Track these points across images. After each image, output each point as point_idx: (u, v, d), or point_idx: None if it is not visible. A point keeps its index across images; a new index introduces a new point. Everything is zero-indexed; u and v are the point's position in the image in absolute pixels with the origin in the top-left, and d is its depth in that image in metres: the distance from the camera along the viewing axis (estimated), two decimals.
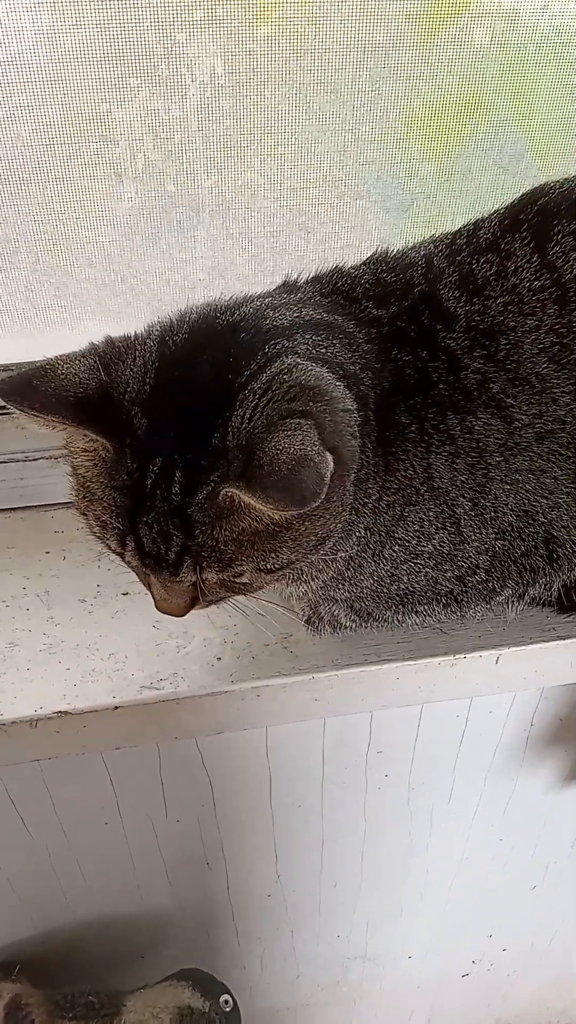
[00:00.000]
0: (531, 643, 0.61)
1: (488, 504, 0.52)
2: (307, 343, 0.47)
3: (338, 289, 0.52)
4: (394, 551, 0.53)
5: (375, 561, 0.53)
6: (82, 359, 0.46)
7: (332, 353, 0.47)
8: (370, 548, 0.52)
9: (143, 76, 0.55)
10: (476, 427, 0.50)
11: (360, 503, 0.50)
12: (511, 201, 0.53)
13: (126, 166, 0.59)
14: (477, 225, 0.52)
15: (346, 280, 0.52)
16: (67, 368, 0.45)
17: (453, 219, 0.66)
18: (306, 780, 0.80)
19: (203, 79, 0.56)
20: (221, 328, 0.46)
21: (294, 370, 0.44)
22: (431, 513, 0.52)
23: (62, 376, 0.45)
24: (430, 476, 0.50)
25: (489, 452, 0.50)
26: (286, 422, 0.41)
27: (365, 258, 0.54)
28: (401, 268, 0.52)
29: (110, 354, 0.46)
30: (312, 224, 0.65)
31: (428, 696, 0.63)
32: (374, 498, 0.50)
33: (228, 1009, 0.86)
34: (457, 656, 0.60)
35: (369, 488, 0.50)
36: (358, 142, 0.61)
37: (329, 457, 0.41)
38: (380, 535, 0.52)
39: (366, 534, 0.52)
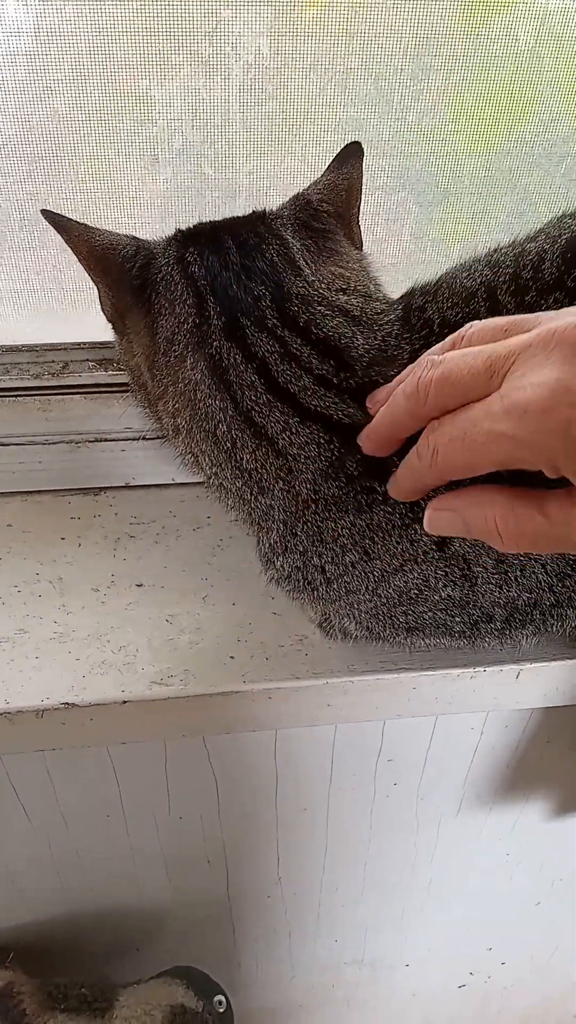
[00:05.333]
0: (553, 660, 0.59)
1: (516, 563, 0.48)
2: None
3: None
4: (390, 594, 0.51)
5: (372, 595, 0.51)
6: None
7: None
8: (365, 583, 0.51)
9: (185, 54, 0.54)
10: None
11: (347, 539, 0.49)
12: (564, 222, 0.49)
13: (163, 147, 0.57)
14: (540, 257, 0.47)
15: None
16: None
17: (496, 216, 0.65)
18: (313, 784, 0.78)
19: (247, 59, 0.54)
20: None
21: None
22: (440, 572, 0.49)
23: None
24: (446, 541, 0.48)
25: None
26: None
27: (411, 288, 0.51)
28: (464, 301, 0.48)
29: None
30: None
31: (444, 708, 0.61)
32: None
33: (222, 1010, 0.85)
34: (476, 669, 0.58)
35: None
36: (403, 132, 0.59)
37: None
38: (373, 577, 0.50)
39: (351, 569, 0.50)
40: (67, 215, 0.51)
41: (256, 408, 0.47)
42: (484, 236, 0.67)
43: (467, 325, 0.40)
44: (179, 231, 0.52)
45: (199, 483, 0.70)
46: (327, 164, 0.53)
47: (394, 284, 0.53)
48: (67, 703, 0.56)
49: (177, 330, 0.49)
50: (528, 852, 0.95)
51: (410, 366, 0.41)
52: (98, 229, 0.52)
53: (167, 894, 0.91)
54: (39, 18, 0.52)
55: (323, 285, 0.49)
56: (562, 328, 0.34)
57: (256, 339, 0.47)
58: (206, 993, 0.85)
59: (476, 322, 0.40)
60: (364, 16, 0.55)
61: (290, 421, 0.47)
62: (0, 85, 0.55)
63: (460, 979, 1.22)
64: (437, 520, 0.41)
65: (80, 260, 0.53)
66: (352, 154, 0.53)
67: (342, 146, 0.53)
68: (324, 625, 0.60)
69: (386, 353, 0.47)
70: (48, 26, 0.53)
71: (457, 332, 0.40)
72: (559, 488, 0.36)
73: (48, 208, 0.50)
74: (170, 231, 0.52)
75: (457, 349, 0.39)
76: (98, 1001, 0.81)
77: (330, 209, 0.53)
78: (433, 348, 0.41)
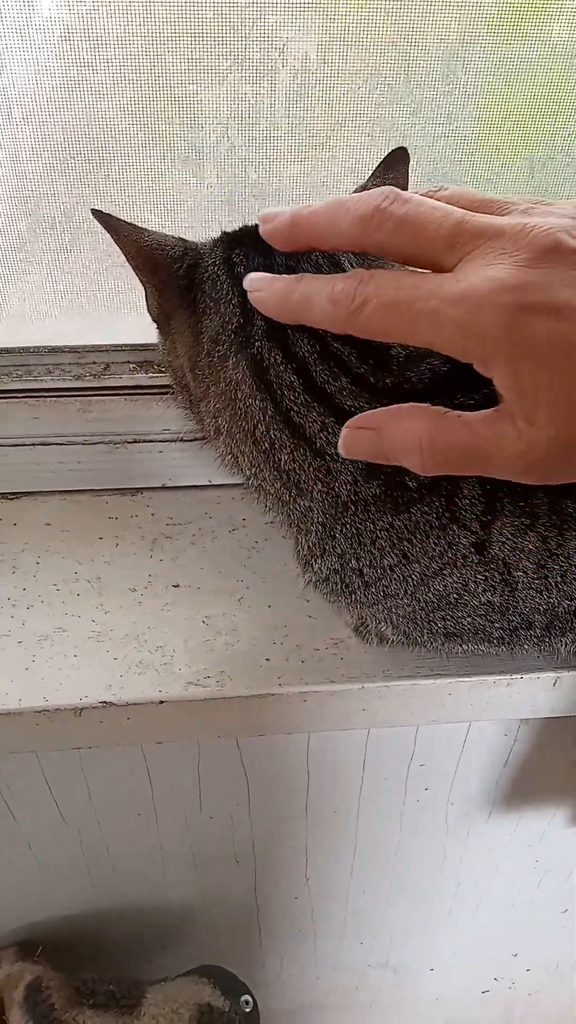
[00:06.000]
0: None
1: (557, 568, 0.47)
2: None
3: None
4: (429, 598, 0.51)
5: (411, 599, 0.51)
6: None
7: None
8: (403, 587, 0.50)
9: (233, 58, 0.54)
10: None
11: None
12: None
13: (209, 151, 0.58)
14: None
15: None
16: None
17: None
18: (344, 787, 0.78)
19: (294, 64, 0.54)
20: None
21: None
22: (480, 576, 0.48)
23: None
24: (485, 544, 0.47)
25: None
26: None
27: None
28: None
29: None
30: None
31: (479, 714, 0.61)
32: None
33: (248, 1010, 0.85)
34: (513, 676, 0.58)
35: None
36: (450, 137, 0.59)
37: None
38: (412, 580, 0.50)
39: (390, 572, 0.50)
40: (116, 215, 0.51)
41: (295, 408, 0.48)
42: None
43: (439, 184, 0.40)
44: (225, 233, 0.52)
45: (235, 485, 0.70)
46: (372, 169, 0.54)
47: None
48: (105, 702, 0.56)
49: (221, 330, 0.50)
50: (557, 859, 0.94)
51: (371, 190, 0.38)
52: (147, 230, 0.52)
53: (194, 893, 0.91)
54: (84, 20, 0.53)
55: None
56: (537, 231, 0.34)
57: (296, 339, 0.47)
58: (233, 993, 0.85)
59: (449, 185, 0.39)
60: (408, 20, 0.55)
61: (327, 421, 0.47)
62: (44, 89, 0.55)
63: (484, 984, 1.22)
64: (352, 440, 0.41)
65: (128, 260, 0.53)
66: (398, 160, 0.53)
67: (387, 152, 0.53)
68: (360, 629, 0.60)
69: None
70: (93, 28, 0.53)
71: (429, 190, 0.40)
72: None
73: (98, 208, 0.50)
74: (214, 234, 0.53)
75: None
76: (126, 998, 0.82)
77: None
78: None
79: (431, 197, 0.38)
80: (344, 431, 0.41)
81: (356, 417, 0.40)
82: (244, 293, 0.48)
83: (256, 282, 0.42)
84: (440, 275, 0.35)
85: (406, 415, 0.39)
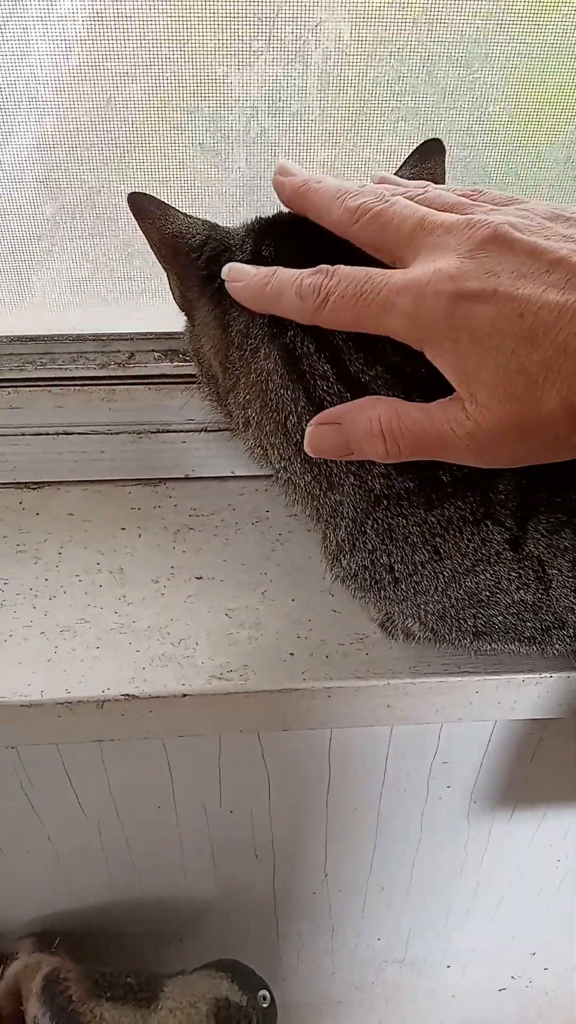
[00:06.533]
0: None
1: None
2: None
3: None
4: (460, 595, 0.49)
5: (441, 596, 0.50)
6: None
7: None
8: (434, 583, 0.49)
9: (264, 40, 0.52)
10: None
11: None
12: None
13: (238, 135, 0.56)
14: None
15: None
16: None
17: None
18: (366, 784, 0.78)
19: (327, 45, 0.53)
20: None
21: None
22: (513, 573, 0.47)
23: None
24: (520, 541, 0.46)
25: None
26: None
27: None
28: None
29: None
30: None
31: (507, 713, 0.60)
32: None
33: (265, 1005, 0.85)
34: (543, 675, 0.57)
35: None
36: (482, 122, 0.58)
37: None
38: (443, 577, 0.49)
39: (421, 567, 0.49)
40: (155, 196, 0.50)
41: (328, 398, 0.46)
42: None
43: (423, 185, 0.43)
44: (259, 220, 0.51)
45: (259, 476, 0.70)
46: (405, 156, 0.52)
47: None
48: (127, 695, 0.55)
49: (251, 323, 0.49)
50: None
51: (368, 186, 0.44)
52: (174, 215, 0.51)
53: (213, 886, 0.91)
54: (110, 2, 0.52)
55: None
56: (478, 223, 0.37)
57: (332, 333, 0.46)
58: (251, 987, 0.85)
59: (431, 187, 0.43)
60: (433, 4, 0.54)
61: None
62: (69, 73, 0.54)
63: (501, 983, 1.21)
64: (317, 438, 0.43)
65: (151, 247, 0.52)
66: (433, 150, 0.52)
67: (421, 138, 0.52)
68: (386, 625, 0.58)
69: None
70: (119, 11, 0.52)
71: (414, 187, 0.44)
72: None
73: (138, 191, 0.50)
74: (242, 219, 0.52)
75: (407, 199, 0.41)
76: (143, 991, 0.82)
77: None
78: (397, 189, 0.44)
79: (417, 198, 0.42)
80: (309, 428, 0.43)
81: (319, 414, 0.43)
82: None
83: (235, 272, 0.46)
84: (394, 269, 0.39)
85: (367, 406, 0.41)
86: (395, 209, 0.40)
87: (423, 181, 0.45)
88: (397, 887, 0.95)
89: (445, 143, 0.53)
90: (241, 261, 0.49)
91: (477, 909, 1.01)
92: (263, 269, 0.44)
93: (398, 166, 0.53)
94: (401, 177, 0.52)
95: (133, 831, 0.81)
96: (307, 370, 0.47)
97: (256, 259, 0.49)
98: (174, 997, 0.81)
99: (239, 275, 0.46)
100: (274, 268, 0.44)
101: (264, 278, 0.44)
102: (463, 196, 0.42)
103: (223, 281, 0.50)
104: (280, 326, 0.47)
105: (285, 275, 0.42)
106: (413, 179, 0.51)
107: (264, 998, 0.85)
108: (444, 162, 0.53)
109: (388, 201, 0.40)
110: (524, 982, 1.21)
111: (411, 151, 0.53)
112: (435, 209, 0.40)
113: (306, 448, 0.44)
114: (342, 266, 0.40)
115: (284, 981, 1.10)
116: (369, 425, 0.40)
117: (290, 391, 0.47)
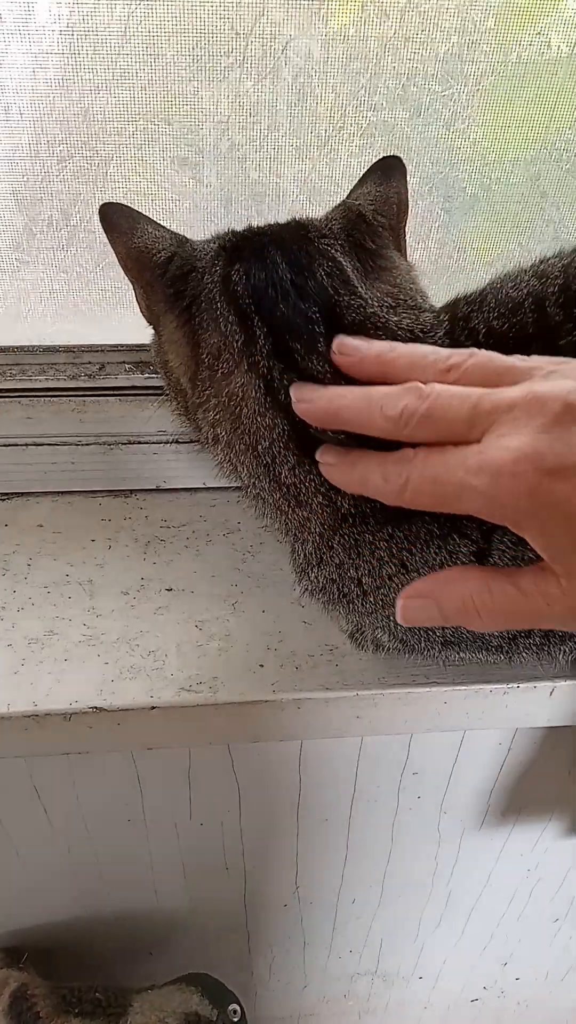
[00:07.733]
0: None
1: None
2: None
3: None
4: None
5: None
6: None
7: None
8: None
9: (235, 55, 0.53)
10: None
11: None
12: None
13: (209, 149, 0.57)
14: None
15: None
16: None
17: (529, 225, 0.64)
18: (336, 795, 0.78)
19: (298, 61, 0.53)
20: None
21: None
22: None
23: None
24: (485, 552, 0.46)
25: None
26: None
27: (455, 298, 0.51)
28: (510, 311, 0.47)
29: None
30: None
31: (474, 723, 0.60)
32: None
33: (236, 1019, 0.84)
34: (510, 685, 0.57)
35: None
36: (454, 138, 0.58)
37: None
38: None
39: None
40: (129, 207, 0.50)
41: (305, 427, 0.47)
42: (514, 243, 0.66)
43: (468, 352, 0.41)
44: (230, 235, 0.51)
45: (230, 488, 0.70)
46: (362, 174, 0.53)
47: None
48: (95, 707, 0.55)
49: (223, 347, 0.48)
50: (549, 869, 0.94)
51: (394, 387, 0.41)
52: (143, 228, 0.51)
53: (183, 900, 0.90)
54: (84, 17, 0.52)
55: (376, 304, 0.48)
56: (547, 396, 0.36)
57: (308, 361, 0.46)
58: (220, 1001, 0.84)
59: (477, 353, 0.41)
60: (419, 19, 0.54)
61: (340, 437, 0.46)
62: (42, 86, 0.55)
63: (473, 993, 1.21)
64: (411, 610, 0.42)
65: (118, 260, 0.52)
66: (396, 168, 0.52)
67: (392, 152, 0.52)
68: (356, 636, 0.59)
69: None
70: (92, 25, 0.52)
71: (457, 355, 0.41)
72: (532, 565, 0.38)
73: (112, 202, 0.50)
74: (214, 231, 0.52)
75: (448, 382, 0.40)
76: (112, 1006, 0.81)
77: (384, 222, 0.52)
78: (431, 359, 0.42)
79: (459, 368, 0.40)
80: (400, 602, 0.42)
81: (408, 588, 0.42)
82: (245, 312, 0.47)
83: (330, 455, 0.45)
84: (467, 448, 0.37)
85: (456, 579, 0.41)
86: (441, 402, 0.38)
87: (470, 349, 0.41)
88: (368, 899, 0.95)
89: (417, 159, 0.53)
90: (209, 284, 0.49)
91: (448, 920, 1.01)
92: (348, 453, 0.44)
93: (354, 184, 0.54)
94: (359, 195, 0.52)
95: (102, 844, 0.80)
96: (287, 402, 0.46)
97: (225, 283, 0.48)
98: (143, 1012, 0.80)
99: (332, 457, 0.45)
100: (356, 452, 0.43)
101: (347, 460, 0.44)
102: (513, 363, 0.40)
103: (191, 300, 0.50)
104: (252, 355, 0.47)
105: (369, 460, 0.42)
106: (384, 197, 0.52)
107: (235, 1012, 0.85)
108: (406, 181, 0.53)
109: (427, 395, 0.39)
110: (496, 993, 1.21)
111: (368, 168, 0.53)
112: (485, 383, 0.39)
113: (399, 620, 0.43)
114: (410, 451, 0.39)
115: (255, 995, 1.09)
116: (462, 603, 0.40)
117: (267, 419, 0.47)
